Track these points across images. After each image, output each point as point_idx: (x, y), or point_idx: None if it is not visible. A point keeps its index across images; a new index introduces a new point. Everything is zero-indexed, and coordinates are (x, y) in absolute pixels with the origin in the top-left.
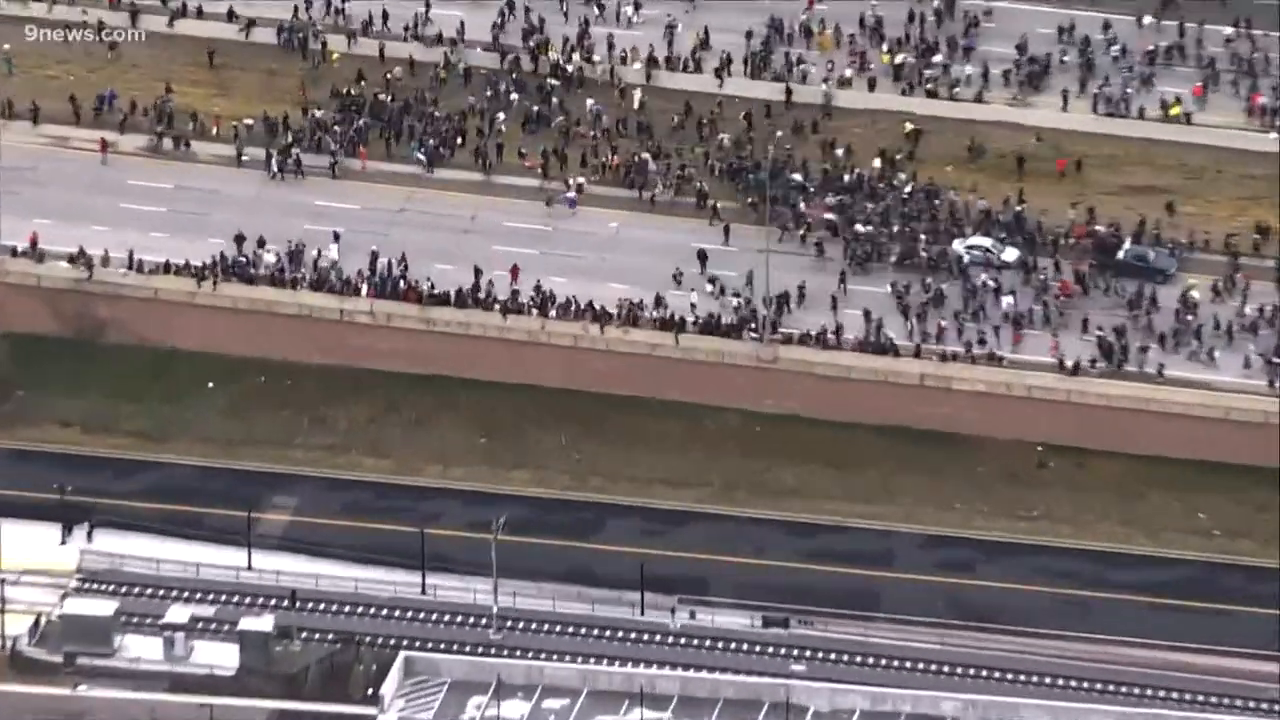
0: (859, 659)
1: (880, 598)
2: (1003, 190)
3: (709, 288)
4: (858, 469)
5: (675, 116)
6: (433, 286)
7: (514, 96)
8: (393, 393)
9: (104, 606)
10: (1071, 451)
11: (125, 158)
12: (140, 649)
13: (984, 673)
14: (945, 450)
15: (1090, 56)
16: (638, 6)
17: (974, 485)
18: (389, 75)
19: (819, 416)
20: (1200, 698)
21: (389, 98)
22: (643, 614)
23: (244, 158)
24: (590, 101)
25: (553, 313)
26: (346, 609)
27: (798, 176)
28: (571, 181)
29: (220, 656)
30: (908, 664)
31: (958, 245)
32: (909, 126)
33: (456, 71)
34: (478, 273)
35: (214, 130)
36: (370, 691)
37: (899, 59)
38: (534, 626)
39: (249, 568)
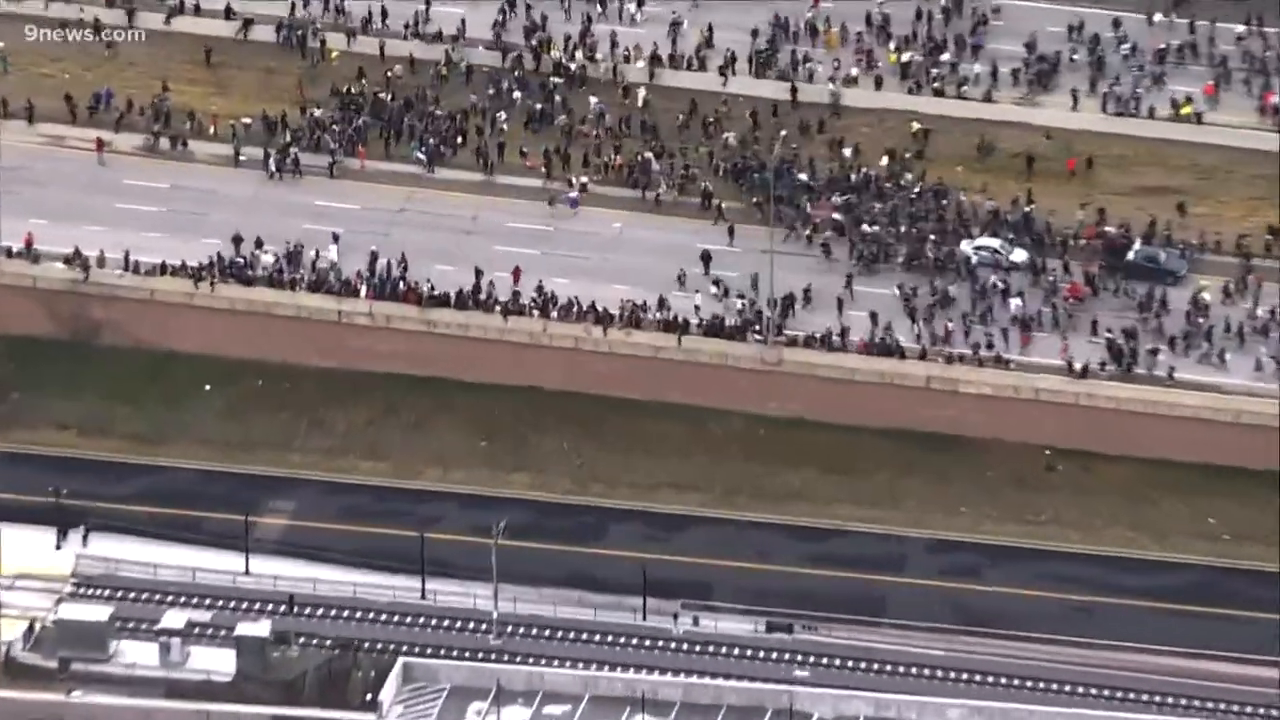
0: (863, 665)
1: (885, 603)
2: (1011, 190)
3: (713, 289)
4: (863, 473)
5: (680, 115)
6: (433, 288)
7: (517, 95)
8: (392, 395)
9: (99, 611)
10: (1080, 455)
11: (121, 157)
12: (136, 654)
13: (990, 679)
14: (952, 454)
15: (1100, 55)
16: (640, 4)
17: (981, 489)
18: (389, 73)
19: (824, 419)
20: (1209, 704)
21: (389, 96)
22: (645, 619)
23: (242, 157)
24: (594, 99)
25: (554, 314)
26: (345, 614)
27: (803, 176)
28: (575, 181)
29: (217, 662)
30: (913, 670)
31: (965, 246)
32: (915, 126)
33: (458, 69)
34: (478, 274)
35: (211, 129)
36: (369, 698)
37: (906, 57)
38: (534, 632)
39: (246, 572)
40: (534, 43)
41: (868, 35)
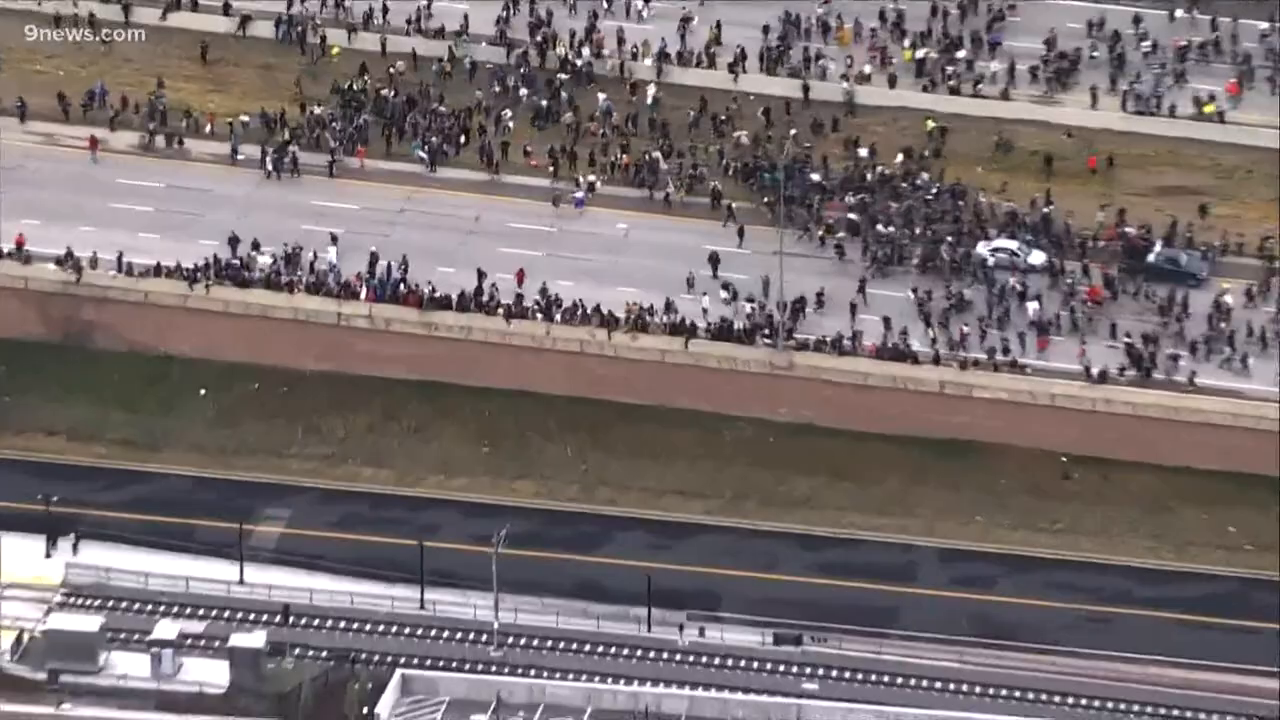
0: (874, 678)
1: (897, 614)
2: (1030, 190)
3: (722, 292)
4: (874, 480)
5: (690, 113)
6: (434, 290)
7: (523, 92)
8: (392, 400)
9: (90, 622)
10: (1097, 462)
11: (116, 156)
12: (127, 666)
13: (1004, 692)
14: (965, 461)
15: (1121, 52)
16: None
17: (995, 497)
18: (391, 70)
19: (834, 426)
20: (1229, 718)
21: (391, 93)
22: (649, 630)
23: (239, 156)
24: (602, 96)
25: (558, 317)
26: (342, 625)
27: (816, 176)
28: (583, 180)
29: (210, 674)
30: (924, 683)
31: (982, 248)
32: (931, 124)
33: (462, 66)
34: (481, 276)
35: (208, 127)
36: (366, 710)
37: (921, 54)
38: (536, 643)
39: (241, 582)
40: (539, 38)
41: (881, 31)
